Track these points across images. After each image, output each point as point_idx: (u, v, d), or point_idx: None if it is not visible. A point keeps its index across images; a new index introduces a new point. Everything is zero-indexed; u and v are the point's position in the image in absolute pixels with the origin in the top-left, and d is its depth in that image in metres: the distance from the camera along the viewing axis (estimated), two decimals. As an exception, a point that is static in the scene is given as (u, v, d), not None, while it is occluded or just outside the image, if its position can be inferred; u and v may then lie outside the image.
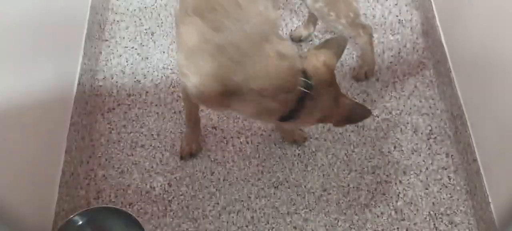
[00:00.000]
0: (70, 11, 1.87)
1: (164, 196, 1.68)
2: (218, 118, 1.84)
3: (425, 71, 1.90)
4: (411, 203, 1.61)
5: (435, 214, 1.59)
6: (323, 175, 1.69)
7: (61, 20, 1.77)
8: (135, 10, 2.14)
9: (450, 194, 1.62)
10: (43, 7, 1.62)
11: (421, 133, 1.75)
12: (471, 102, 1.63)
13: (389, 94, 1.85)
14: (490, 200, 1.49)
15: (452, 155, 1.70)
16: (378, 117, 1.80)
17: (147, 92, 1.93)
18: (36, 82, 1.54)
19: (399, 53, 1.95)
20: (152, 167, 1.74)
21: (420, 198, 1.62)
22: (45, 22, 1.64)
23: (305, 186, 1.67)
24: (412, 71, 1.90)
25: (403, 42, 1.98)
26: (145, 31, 2.08)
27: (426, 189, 1.63)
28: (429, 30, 1.95)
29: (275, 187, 1.68)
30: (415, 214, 1.59)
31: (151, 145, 1.79)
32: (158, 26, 2.07)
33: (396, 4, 2.09)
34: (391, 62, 1.93)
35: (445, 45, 1.81)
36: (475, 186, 1.58)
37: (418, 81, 1.88)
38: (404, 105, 1.82)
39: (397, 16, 2.06)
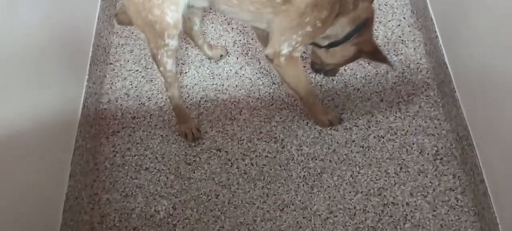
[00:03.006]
0: (75, 36, 1.88)
1: (169, 219, 1.66)
2: (222, 140, 1.83)
3: (429, 91, 1.90)
4: (419, 225, 1.59)
5: (443, 236, 1.57)
6: (329, 197, 1.67)
7: (67, 44, 1.78)
8: (139, 33, 2.16)
9: (458, 215, 1.61)
10: (48, 31, 1.64)
11: (427, 154, 1.74)
12: (476, 123, 1.62)
13: (394, 114, 1.85)
14: (498, 221, 1.47)
15: (459, 176, 1.68)
16: (383, 138, 1.79)
17: (151, 115, 1.93)
18: (41, 106, 1.54)
19: (403, 73, 1.95)
20: (156, 190, 1.73)
21: (428, 220, 1.60)
22: (50, 47, 1.65)
23: (311, 209, 1.65)
24: (417, 91, 1.90)
25: (406, 63, 1.98)
26: (149, 54, 2.08)
27: (434, 210, 1.62)
28: (432, 50, 1.95)
29: (280, 210, 1.66)
30: (423, 236, 1.57)
31: (155, 168, 1.79)
32: (162, 49, 2.08)
33: (398, 25, 2.10)
34: (395, 83, 1.93)
35: (448, 65, 1.81)
36: (483, 207, 1.56)
37: (423, 101, 1.87)
38: (409, 126, 1.81)
39: (400, 36, 2.07)
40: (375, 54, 1.66)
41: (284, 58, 1.59)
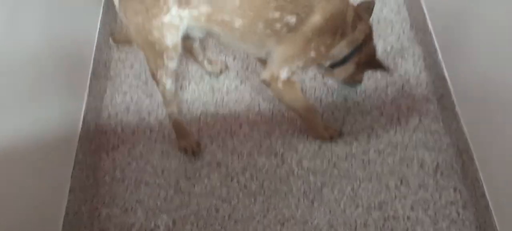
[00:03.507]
0: (75, 50, 1.89)
1: (169, 235, 1.65)
2: (222, 154, 1.83)
3: (429, 105, 1.90)
4: (420, 239, 1.59)
5: (445, 250, 1.56)
6: (330, 211, 1.66)
7: (67, 59, 1.79)
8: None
9: (459, 229, 1.60)
10: (49, 46, 1.65)
11: (428, 168, 1.73)
12: (477, 136, 1.62)
13: (394, 128, 1.85)
14: (500, 236, 1.46)
15: (460, 190, 1.68)
16: (383, 152, 1.79)
17: (151, 129, 1.93)
18: (41, 120, 1.54)
19: (402, 87, 1.96)
20: (156, 205, 1.72)
21: (429, 234, 1.59)
22: (51, 61, 1.66)
23: (311, 223, 1.64)
24: (416, 105, 1.90)
25: (406, 77, 1.99)
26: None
27: (435, 224, 1.61)
28: (432, 64, 1.96)
29: (281, 224, 1.65)
30: (424, 251, 1.56)
31: (155, 183, 1.78)
32: (162, 63, 2.09)
33: (398, 40, 2.11)
34: (394, 97, 1.93)
35: (448, 79, 1.82)
36: (485, 221, 1.55)
37: (423, 115, 1.87)
38: (409, 140, 1.81)
39: (399, 51, 2.07)
40: (373, 64, 1.72)
41: (282, 83, 1.58)
